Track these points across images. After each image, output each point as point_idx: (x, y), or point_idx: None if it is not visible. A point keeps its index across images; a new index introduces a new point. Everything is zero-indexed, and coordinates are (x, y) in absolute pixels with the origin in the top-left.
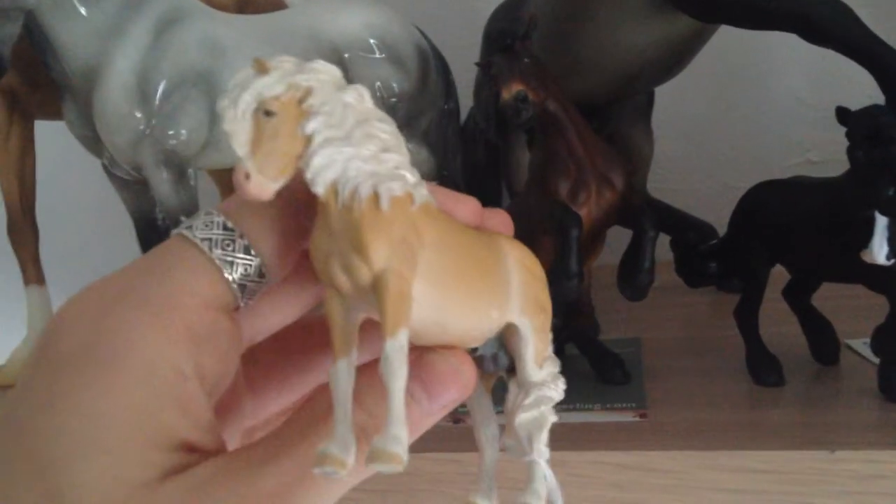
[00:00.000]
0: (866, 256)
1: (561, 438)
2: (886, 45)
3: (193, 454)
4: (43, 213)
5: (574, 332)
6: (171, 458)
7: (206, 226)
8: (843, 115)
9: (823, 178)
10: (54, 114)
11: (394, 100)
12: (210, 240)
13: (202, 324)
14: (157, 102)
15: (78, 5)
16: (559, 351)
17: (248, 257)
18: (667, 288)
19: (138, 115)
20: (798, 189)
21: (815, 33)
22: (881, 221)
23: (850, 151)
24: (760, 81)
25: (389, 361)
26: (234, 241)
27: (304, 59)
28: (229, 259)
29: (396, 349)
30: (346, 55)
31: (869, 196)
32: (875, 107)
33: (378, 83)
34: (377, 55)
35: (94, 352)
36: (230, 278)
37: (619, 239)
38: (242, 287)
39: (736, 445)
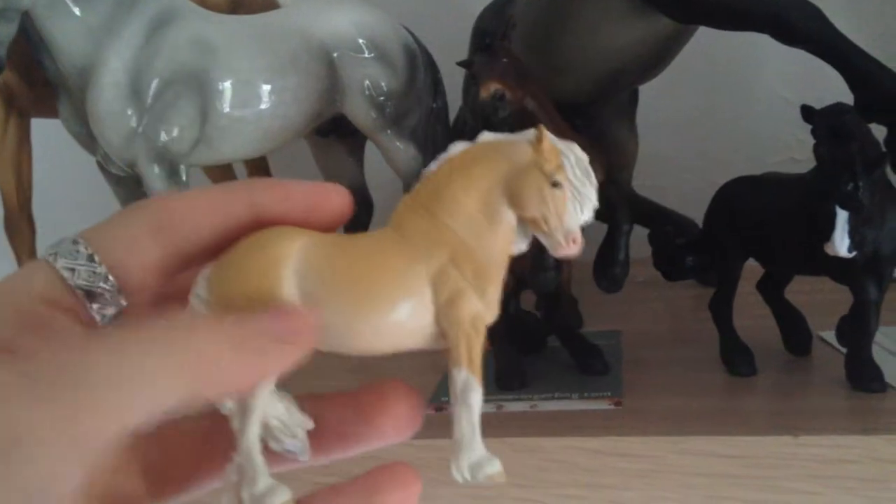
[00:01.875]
0: (829, 249)
1: (538, 425)
2: (855, 46)
3: None
4: (39, 209)
5: (556, 325)
6: None
7: (72, 255)
8: (808, 113)
9: (793, 174)
10: (50, 111)
11: (382, 98)
12: (73, 270)
13: (32, 311)
14: (149, 101)
15: (72, 6)
16: (542, 342)
17: (108, 286)
18: (649, 282)
19: (131, 113)
20: (769, 185)
21: (786, 34)
22: (842, 215)
23: (815, 148)
24: (745, 80)
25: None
26: (95, 272)
27: (294, 58)
28: (88, 288)
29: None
30: (336, 54)
31: (830, 191)
32: (837, 105)
33: (367, 82)
34: (366, 55)
35: None
36: (78, 292)
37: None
38: (101, 312)
39: (706, 432)
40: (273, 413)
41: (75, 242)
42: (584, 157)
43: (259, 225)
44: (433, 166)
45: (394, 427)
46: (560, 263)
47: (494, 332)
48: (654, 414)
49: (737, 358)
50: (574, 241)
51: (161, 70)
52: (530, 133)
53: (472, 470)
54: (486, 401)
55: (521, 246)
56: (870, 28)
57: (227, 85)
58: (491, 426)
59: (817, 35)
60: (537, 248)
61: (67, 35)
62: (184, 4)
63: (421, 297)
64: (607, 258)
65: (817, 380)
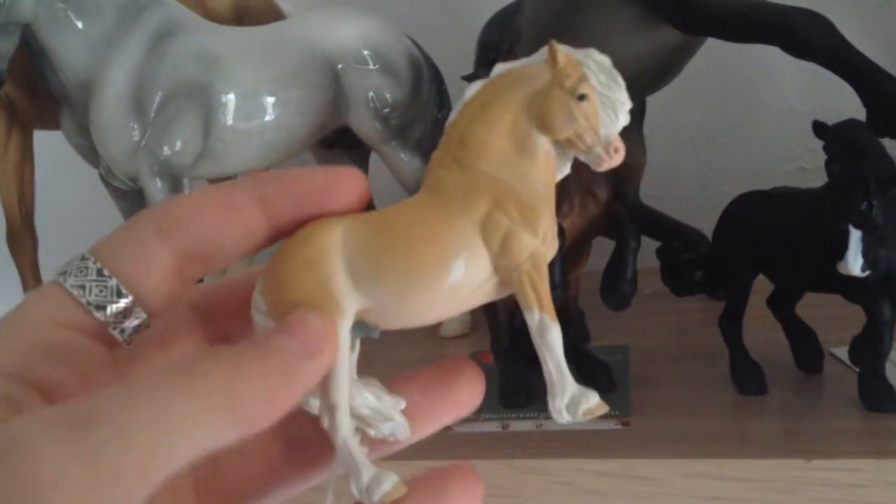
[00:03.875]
0: (842, 268)
1: (544, 446)
2: (866, 58)
3: None
4: (41, 221)
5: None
6: None
7: (81, 271)
8: (819, 129)
9: (804, 189)
10: (53, 124)
11: (387, 110)
12: (83, 287)
13: (40, 334)
14: (152, 114)
15: (75, 19)
16: None
17: (122, 298)
18: (658, 295)
19: (133, 126)
20: (779, 200)
21: (796, 47)
22: (855, 234)
23: (827, 165)
24: (753, 89)
25: None
26: (106, 286)
27: (298, 70)
28: (101, 304)
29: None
30: (340, 66)
31: (843, 209)
32: (850, 121)
33: (371, 94)
34: (371, 66)
35: None
36: (91, 309)
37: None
38: (119, 328)
39: (716, 454)
40: (362, 403)
41: (83, 259)
42: (605, 60)
43: (271, 217)
44: (453, 115)
45: (469, 396)
46: (567, 280)
47: (499, 348)
48: (662, 434)
49: (746, 376)
50: (616, 151)
51: (164, 83)
52: (543, 51)
53: (570, 411)
54: (491, 419)
55: (565, 170)
56: (882, 39)
57: (231, 97)
58: (497, 447)
59: (828, 48)
60: None
61: (70, 48)
62: (187, 16)
63: (473, 251)
64: (614, 276)
65: (829, 399)
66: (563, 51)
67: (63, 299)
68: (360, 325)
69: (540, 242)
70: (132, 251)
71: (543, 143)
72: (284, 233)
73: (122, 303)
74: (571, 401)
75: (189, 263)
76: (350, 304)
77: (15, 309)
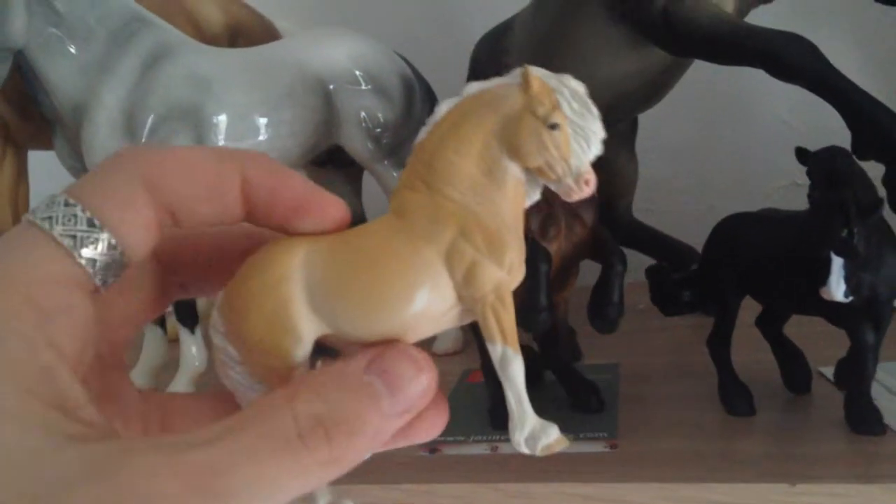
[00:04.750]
0: (825, 294)
1: (531, 469)
2: (850, 82)
3: (80, 424)
4: None
5: (551, 360)
6: (58, 420)
7: (69, 220)
8: (802, 155)
9: (791, 212)
10: (47, 144)
11: (379, 129)
12: (74, 237)
13: (48, 296)
14: (144, 137)
15: (66, 44)
16: (536, 378)
17: (111, 252)
18: (651, 311)
19: None
20: (766, 223)
21: (779, 69)
22: (837, 261)
23: (810, 191)
24: (746, 104)
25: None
26: (98, 238)
27: (290, 91)
28: (93, 256)
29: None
30: (332, 87)
31: (825, 236)
32: (832, 148)
33: (363, 113)
34: (362, 86)
35: None
36: (82, 262)
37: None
38: (103, 279)
39: (702, 478)
40: None
41: (68, 204)
42: (580, 88)
43: (248, 205)
44: (422, 134)
45: (428, 431)
46: (554, 302)
47: (489, 370)
48: (649, 457)
49: (735, 398)
50: (587, 183)
51: (156, 106)
52: (517, 73)
53: (528, 445)
54: (481, 441)
55: (534, 197)
56: (876, 55)
57: (223, 118)
58: (485, 470)
59: (811, 71)
60: (527, 290)
61: (62, 73)
62: (178, 39)
63: (436, 281)
64: (600, 299)
65: (816, 420)
66: (537, 76)
67: (50, 248)
68: (320, 348)
69: (505, 274)
70: (123, 204)
71: (513, 170)
72: (254, 221)
73: (111, 255)
74: (531, 435)
75: (166, 218)
76: (309, 331)
77: (2, 260)
